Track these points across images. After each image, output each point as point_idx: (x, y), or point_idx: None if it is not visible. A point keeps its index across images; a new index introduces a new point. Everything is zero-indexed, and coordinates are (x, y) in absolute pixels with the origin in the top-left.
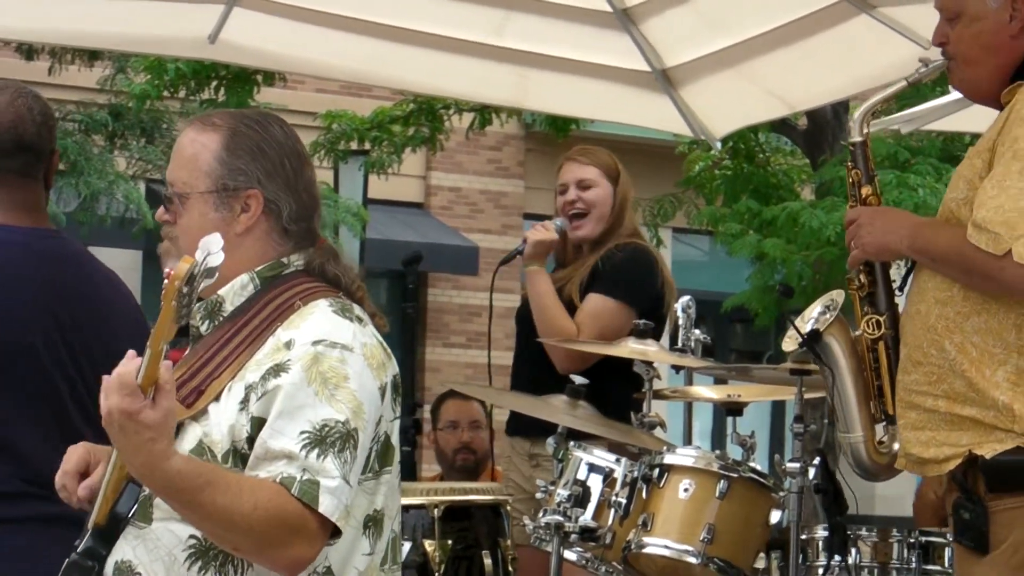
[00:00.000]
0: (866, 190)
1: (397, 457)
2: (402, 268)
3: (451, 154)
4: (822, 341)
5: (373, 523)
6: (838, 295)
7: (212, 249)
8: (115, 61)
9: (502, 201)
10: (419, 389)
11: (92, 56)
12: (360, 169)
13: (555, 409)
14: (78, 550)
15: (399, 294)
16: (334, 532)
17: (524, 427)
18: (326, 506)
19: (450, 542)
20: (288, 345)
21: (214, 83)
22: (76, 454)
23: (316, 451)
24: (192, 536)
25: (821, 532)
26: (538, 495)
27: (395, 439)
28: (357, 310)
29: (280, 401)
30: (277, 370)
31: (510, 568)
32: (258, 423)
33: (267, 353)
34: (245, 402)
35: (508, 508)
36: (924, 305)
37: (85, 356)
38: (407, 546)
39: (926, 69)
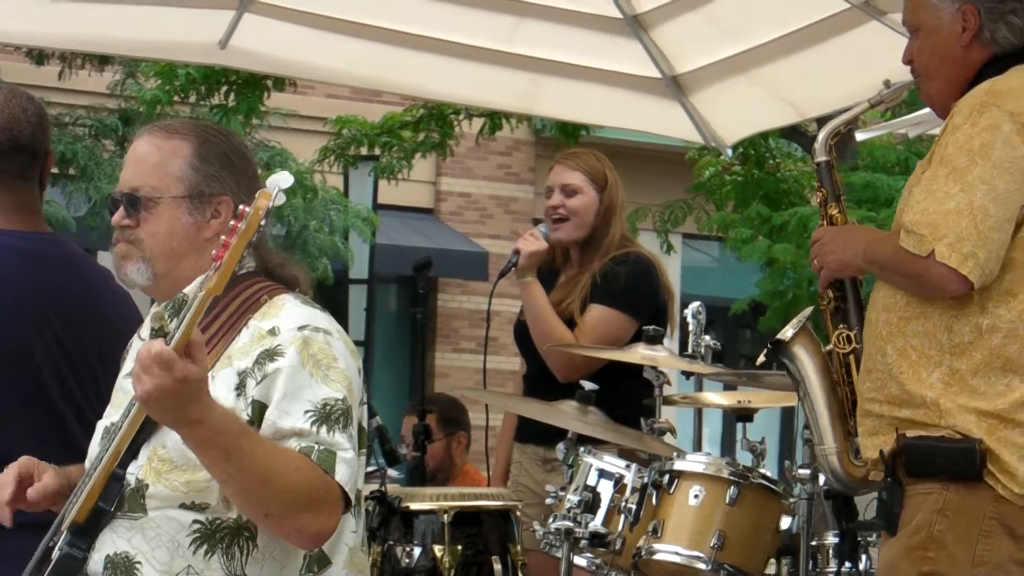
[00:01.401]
0: (833, 209)
1: (365, 440)
2: (412, 274)
3: (461, 159)
4: (790, 352)
5: (358, 502)
6: (809, 312)
7: (283, 185)
8: (125, 66)
9: (512, 206)
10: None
11: (102, 61)
12: (370, 174)
13: (565, 415)
14: (60, 545)
15: (408, 299)
16: (347, 505)
17: (538, 434)
18: (341, 475)
19: (460, 547)
20: (273, 332)
21: (224, 88)
22: (22, 462)
23: (324, 427)
24: (196, 521)
25: (831, 538)
26: (548, 500)
27: (364, 423)
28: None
29: (282, 383)
30: (271, 355)
31: (520, 573)
32: (259, 407)
33: (249, 341)
34: (241, 387)
35: (518, 514)
36: (874, 313)
37: (80, 358)
38: (417, 551)
39: (888, 91)
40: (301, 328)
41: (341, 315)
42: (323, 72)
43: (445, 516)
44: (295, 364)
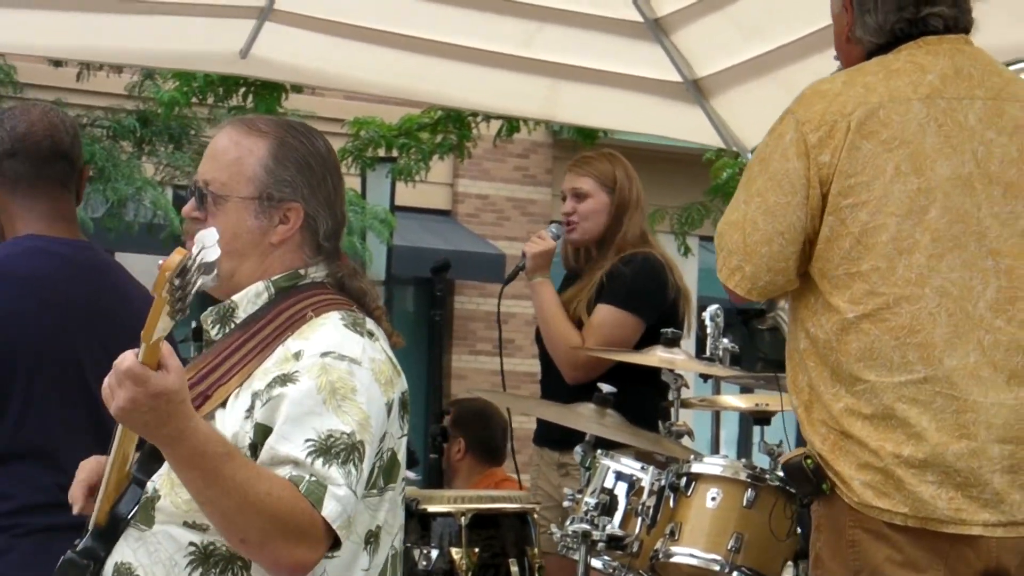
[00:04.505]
0: None
1: (402, 475)
2: (430, 275)
3: (478, 161)
4: (778, 308)
5: (374, 538)
6: None
7: (207, 243)
8: (144, 68)
9: (529, 209)
10: (445, 396)
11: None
12: (387, 176)
13: (583, 417)
14: (76, 549)
15: (426, 301)
16: (334, 544)
17: (554, 439)
18: (330, 511)
19: (477, 550)
20: (297, 356)
21: (242, 90)
22: (89, 466)
23: (321, 459)
24: (192, 543)
25: None
26: (565, 503)
27: (401, 456)
28: (370, 324)
29: (286, 407)
30: (284, 380)
31: None
32: (261, 430)
33: (275, 362)
34: (251, 410)
35: (535, 516)
36: None
37: None
38: (434, 553)
39: None
40: (324, 354)
41: None
42: (344, 80)
43: (462, 519)
44: (306, 390)
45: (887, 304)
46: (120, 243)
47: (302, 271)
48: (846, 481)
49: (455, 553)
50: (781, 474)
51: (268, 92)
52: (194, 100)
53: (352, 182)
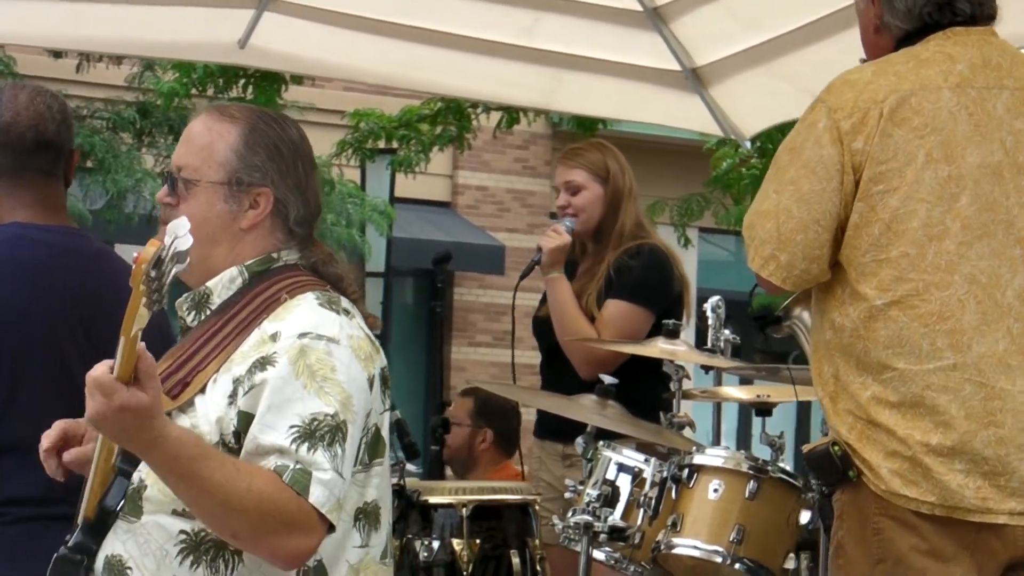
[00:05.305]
0: None
1: (387, 450)
2: (430, 267)
3: (478, 153)
4: (792, 315)
5: (365, 515)
6: None
7: (179, 233)
8: (142, 59)
9: (529, 200)
10: (445, 388)
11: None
12: (387, 168)
13: (584, 409)
14: (68, 544)
15: (425, 293)
16: (330, 527)
17: (557, 430)
18: (316, 496)
19: (478, 541)
20: (274, 337)
21: (242, 81)
22: (54, 432)
23: (306, 445)
24: (182, 531)
25: None
26: (567, 495)
27: (385, 432)
28: (344, 303)
29: (268, 395)
30: (263, 363)
31: (538, 568)
32: (245, 418)
33: (252, 345)
34: (233, 396)
35: (537, 508)
36: None
37: (108, 351)
38: (436, 544)
39: None
40: (302, 335)
41: None
42: (343, 70)
43: (464, 510)
44: (285, 375)
45: (916, 291)
46: (120, 235)
47: (275, 255)
48: (874, 469)
49: (456, 544)
50: (783, 466)
51: (268, 83)
52: (194, 91)
53: (352, 174)
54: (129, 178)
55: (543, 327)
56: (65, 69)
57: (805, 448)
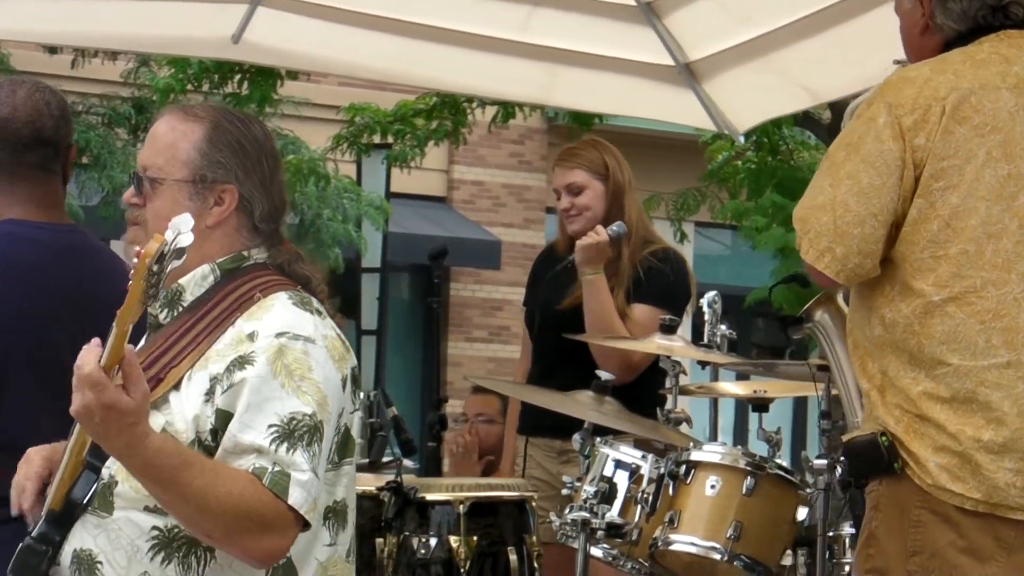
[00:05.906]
0: None
1: (356, 449)
2: (425, 262)
3: (473, 148)
4: (813, 318)
5: (334, 514)
6: None
7: (183, 229)
8: (138, 55)
9: (525, 195)
10: (442, 384)
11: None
12: (383, 163)
13: (581, 405)
14: (32, 534)
15: (421, 288)
16: (305, 525)
17: (553, 427)
18: (295, 498)
19: (475, 538)
20: (251, 337)
21: (237, 77)
22: (40, 456)
23: (285, 445)
24: (155, 527)
25: (848, 529)
26: (564, 491)
27: (355, 431)
28: (315, 303)
29: (247, 394)
30: (242, 362)
31: (536, 564)
32: (223, 416)
33: (229, 344)
34: (210, 394)
35: (534, 504)
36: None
37: None
38: (433, 542)
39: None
40: (280, 335)
41: (354, 304)
42: (337, 65)
43: (460, 507)
44: (264, 374)
45: (974, 287)
46: (115, 231)
47: (245, 253)
48: (920, 462)
49: (453, 541)
50: (780, 462)
51: (263, 79)
52: (189, 87)
53: (347, 169)
54: (125, 174)
55: (563, 321)
56: (60, 65)
57: (845, 437)
